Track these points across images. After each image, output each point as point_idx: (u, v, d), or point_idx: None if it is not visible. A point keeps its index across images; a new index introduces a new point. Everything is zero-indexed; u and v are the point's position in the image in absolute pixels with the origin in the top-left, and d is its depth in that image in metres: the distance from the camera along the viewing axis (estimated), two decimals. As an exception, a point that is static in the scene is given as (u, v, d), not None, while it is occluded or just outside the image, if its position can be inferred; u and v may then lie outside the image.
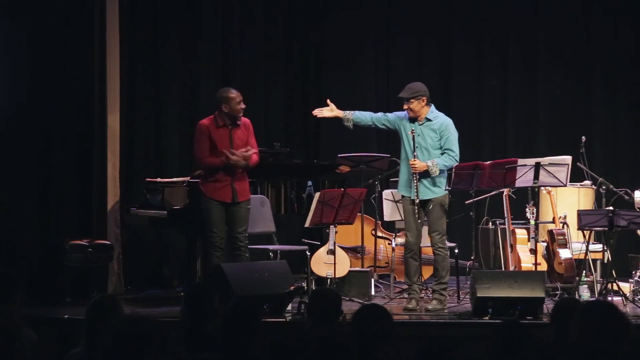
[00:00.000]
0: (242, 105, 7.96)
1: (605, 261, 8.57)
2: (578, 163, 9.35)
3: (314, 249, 8.79)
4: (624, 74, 10.98)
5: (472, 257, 8.90)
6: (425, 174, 7.89)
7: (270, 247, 8.84)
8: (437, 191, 7.95)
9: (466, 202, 9.09)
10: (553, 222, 9.15)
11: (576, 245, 8.98)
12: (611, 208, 8.31)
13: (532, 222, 8.61)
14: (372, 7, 11.11)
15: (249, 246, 8.12)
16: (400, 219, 8.58)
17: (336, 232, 8.44)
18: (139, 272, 9.79)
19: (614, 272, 8.41)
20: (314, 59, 11.06)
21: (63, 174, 9.18)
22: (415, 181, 7.86)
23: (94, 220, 9.14)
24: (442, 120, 8.00)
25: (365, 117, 8.14)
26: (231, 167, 7.88)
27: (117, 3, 9.27)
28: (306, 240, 9.31)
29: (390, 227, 9.59)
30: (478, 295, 7.49)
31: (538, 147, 10.69)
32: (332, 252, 8.39)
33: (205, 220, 7.95)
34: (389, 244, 9.47)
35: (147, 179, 9.11)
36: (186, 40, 10.30)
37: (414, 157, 7.86)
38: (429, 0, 11.19)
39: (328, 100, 8.23)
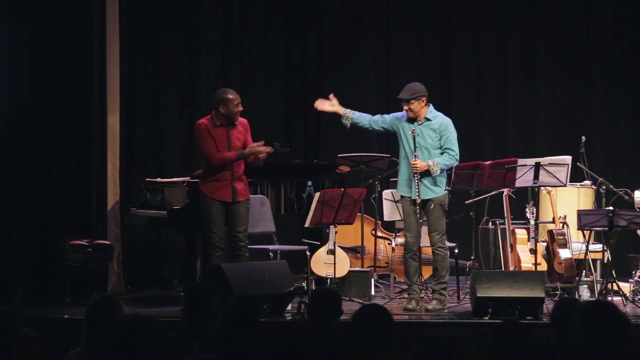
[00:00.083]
0: (240, 108, 7.96)
1: (605, 261, 8.57)
2: (578, 163, 9.35)
3: (314, 249, 8.80)
4: (624, 74, 10.98)
5: (472, 257, 8.90)
6: (426, 174, 7.89)
7: (270, 247, 8.84)
8: (437, 191, 7.95)
9: (466, 202, 9.08)
10: (553, 222, 9.15)
11: (576, 245, 8.98)
12: (611, 208, 8.31)
13: (532, 222, 8.61)
14: (372, 7, 11.11)
15: (249, 246, 8.12)
16: (400, 219, 8.57)
17: (336, 232, 8.43)
18: (139, 272, 9.80)
19: (614, 272, 8.41)
20: (313, 59, 11.05)
21: (63, 174, 9.18)
22: (416, 181, 7.86)
23: (94, 220, 9.15)
24: (441, 120, 8.00)
25: (364, 119, 8.14)
26: (245, 160, 7.90)
27: (117, 3, 9.27)
28: (306, 240, 9.31)
29: (390, 227, 9.59)
30: (478, 295, 7.48)
31: (538, 147, 10.69)
32: (332, 252, 8.39)
33: (205, 220, 7.96)
34: (388, 244, 9.47)
35: (147, 179, 9.12)
36: (186, 40, 10.30)
37: (415, 157, 7.86)
38: (428, 0, 11.20)
39: (331, 95, 8.21)
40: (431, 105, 8.01)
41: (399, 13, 11.17)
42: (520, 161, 8.46)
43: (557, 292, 8.44)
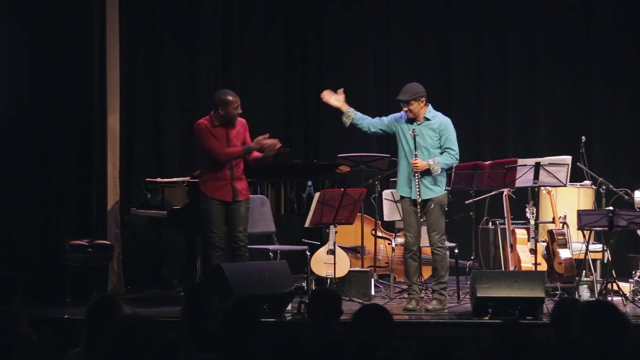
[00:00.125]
0: (239, 111, 7.97)
1: (605, 261, 8.57)
2: (578, 163, 9.35)
3: (314, 249, 8.80)
4: (624, 74, 10.98)
5: (472, 257, 8.90)
6: (426, 173, 7.89)
7: (270, 247, 8.84)
8: (437, 190, 7.95)
9: (466, 202, 9.08)
10: (553, 222, 9.15)
11: (576, 245, 8.98)
12: (611, 208, 8.31)
13: (532, 222, 8.61)
14: (372, 7, 11.11)
15: (249, 246, 8.12)
16: (400, 219, 8.57)
17: (336, 232, 8.44)
18: (139, 272, 9.80)
19: (614, 272, 8.41)
20: (313, 59, 11.05)
21: (63, 174, 9.18)
22: (417, 180, 7.85)
23: (94, 220, 9.14)
24: (440, 120, 8.00)
25: (363, 122, 8.13)
26: (251, 154, 7.94)
27: (117, 3, 9.27)
28: (306, 240, 9.31)
29: (390, 227, 9.60)
30: (478, 295, 7.48)
31: (538, 147, 10.69)
32: (332, 252, 8.39)
33: (205, 220, 7.96)
34: (388, 244, 9.47)
35: (147, 179, 9.11)
36: (186, 40, 10.30)
37: (415, 156, 7.86)
38: (428, 0, 11.20)
39: (341, 90, 8.19)
40: (430, 105, 8.01)
41: (399, 13, 11.17)
42: (520, 161, 8.46)
43: (557, 292, 8.43)
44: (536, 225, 8.69)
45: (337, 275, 8.43)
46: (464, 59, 11.14)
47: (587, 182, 9.54)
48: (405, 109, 7.93)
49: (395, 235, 9.30)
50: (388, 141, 9.75)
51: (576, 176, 9.39)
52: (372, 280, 8.93)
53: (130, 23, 9.71)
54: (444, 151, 7.94)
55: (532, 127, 11.10)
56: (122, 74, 9.39)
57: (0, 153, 9.02)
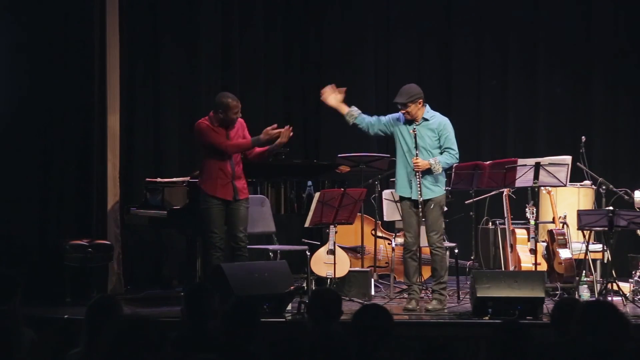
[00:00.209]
0: (239, 115, 7.97)
1: (605, 261, 8.57)
2: (578, 163, 9.35)
3: (314, 249, 8.80)
4: (624, 73, 10.98)
5: (472, 257, 8.90)
6: (427, 173, 7.88)
7: (270, 247, 8.84)
8: (436, 190, 7.95)
9: (466, 202, 9.09)
10: (553, 222, 9.15)
11: (576, 245, 8.98)
12: (611, 208, 8.31)
13: (532, 222, 8.61)
14: (372, 6, 11.11)
15: (249, 246, 8.12)
16: (400, 219, 8.57)
17: (336, 232, 8.44)
18: (139, 272, 9.79)
19: (613, 272, 8.41)
20: (313, 59, 11.05)
21: (63, 174, 9.18)
22: (418, 180, 7.85)
23: (94, 220, 9.14)
24: (439, 120, 7.99)
25: (363, 122, 8.11)
26: (260, 146, 7.97)
27: (117, 3, 9.26)
28: (306, 240, 9.31)
29: (390, 227, 9.59)
30: (478, 295, 7.48)
31: (538, 147, 10.69)
32: (332, 252, 8.39)
33: (205, 220, 7.96)
34: (388, 244, 9.47)
35: (147, 179, 9.11)
36: (186, 41, 10.30)
37: (416, 156, 7.86)
38: (428, 0, 11.19)
39: (344, 89, 8.15)
40: (427, 106, 8.00)
41: (399, 13, 11.17)
42: (520, 161, 8.46)
43: (557, 292, 8.43)
44: (536, 225, 8.70)
45: (337, 275, 8.43)
46: (464, 59, 11.14)
47: (587, 182, 9.54)
48: (403, 111, 7.93)
49: (395, 235, 9.30)
50: (388, 141, 9.73)
51: (576, 176, 9.39)
52: (372, 280, 8.93)
53: (130, 23, 9.71)
54: (444, 151, 7.93)
55: (532, 127, 11.10)
56: (122, 74, 9.39)
57: (0, 153, 9.01)
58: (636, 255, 8.99)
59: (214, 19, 10.46)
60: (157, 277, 9.80)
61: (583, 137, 9.63)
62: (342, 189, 8.25)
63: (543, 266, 8.79)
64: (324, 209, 8.10)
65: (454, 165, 8.13)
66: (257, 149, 8.07)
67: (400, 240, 8.98)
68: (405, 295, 8.29)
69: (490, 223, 9.62)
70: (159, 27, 10.19)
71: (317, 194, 8.15)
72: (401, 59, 11.16)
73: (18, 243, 8.99)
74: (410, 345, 4.19)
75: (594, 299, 8.08)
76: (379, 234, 9.59)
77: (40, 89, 9.09)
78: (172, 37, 10.25)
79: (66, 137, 9.19)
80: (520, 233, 9.13)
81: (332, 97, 8.13)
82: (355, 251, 9.38)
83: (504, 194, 9.19)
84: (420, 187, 7.84)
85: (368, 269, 8.88)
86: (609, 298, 8.05)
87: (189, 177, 8.68)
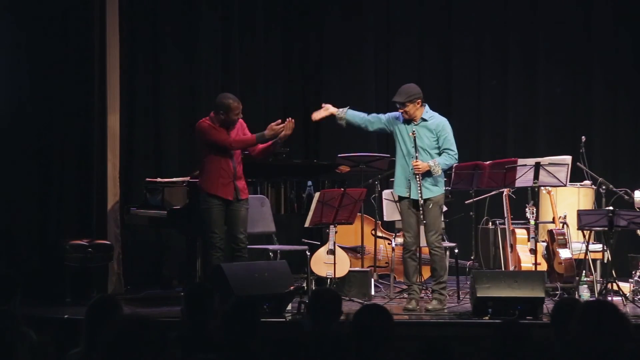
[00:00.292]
0: (240, 116, 7.97)
1: (605, 261, 8.57)
2: (578, 163, 9.35)
3: (314, 249, 8.80)
4: (624, 73, 10.98)
5: (472, 257, 8.90)
6: (426, 174, 7.88)
7: (270, 247, 8.84)
8: (435, 190, 7.95)
9: (466, 202, 9.09)
10: (553, 222, 9.15)
11: (576, 245, 8.98)
12: (611, 208, 8.31)
13: (532, 222, 8.61)
14: (372, 7, 11.11)
15: (249, 246, 8.12)
16: (400, 219, 8.57)
17: (336, 232, 8.43)
18: (139, 272, 9.79)
19: (614, 272, 8.41)
20: (313, 59, 11.05)
21: (63, 174, 9.18)
22: (418, 181, 7.85)
23: (94, 220, 9.14)
24: (438, 121, 7.98)
25: (357, 118, 8.09)
26: (264, 143, 7.96)
27: (117, 3, 9.27)
28: (306, 240, 9.31)
29: (390, 227, 9.59)
30: (478, 295, 7.48)
31: (538, 147, 10.69)
32: (332, 252, 8.39)
33: (206, 220, 7.96)
34: (388, 244, 9.47)
35: (147, 179, 9.11)
36: (186, 41, 10.30)
37: (416, 158, 7.85)
38: (428, 0, 11.19)
39: (324, 104, 8.20)
40: (427, 106, 8.00)
41: (399, 13, 11.17)
42: (520, 161, 8.46)
43: (557, 292, 8.44)
44: (536, 225, 8.70)
45: (337, 275, 8.43)
46: (464, 58, 11.14)
47: (587, 182, 9.54)
48: (401, 110, 7.93)
49: (395, 235, 9.30)
50: (388, 141, 9.75)
51: (576, 176, 9.39)
52: (372, 280, 8.93)
53: (130, 23, 9.72)
54: (443, 152, 7.93)
55: (532, 127, 11.09)
56: (122, 74, 9.39)
57: (0, 153, 9.01)
58: (636, 255, 8.99)
59: (214, 19, 10.45)
60: (157, 277, 9.80)
61: (583, 137, 9.63)
62: (342, 189, 8.25)
63: (543, 266, 8.79)
64: (324, 209, 8.10)
65: (454, 165, 8.13)
66: (261, 145, 8.05)
67: (400, 240, 8.97)
68: (405, 295, 8.29)
69: (490, 223, 9.62)
70: (159, 27, 10.19)
71: (317, 194, 8.15)
72: (401, 59, 11.16)
73: (18, 243, 8.99)
74: (410, 345, 4.19)
75: (594, 299, 8.08)
76: (379, 234, 9.59)
77: (40, 89, 9.10)
78: (172, 37, 10.25)
79: (66, 137, 9.20)
80: (520, 233, 9.13)
81: (321, 111, 8.13)
82: (355, 251, 9.38)
83: (504, 194, 9.19)
84: (420, 188, 7.83)
85: (368, 269, 8.88)
86: (609, 298, 8.06)
87: (189, 177, 8.68)
